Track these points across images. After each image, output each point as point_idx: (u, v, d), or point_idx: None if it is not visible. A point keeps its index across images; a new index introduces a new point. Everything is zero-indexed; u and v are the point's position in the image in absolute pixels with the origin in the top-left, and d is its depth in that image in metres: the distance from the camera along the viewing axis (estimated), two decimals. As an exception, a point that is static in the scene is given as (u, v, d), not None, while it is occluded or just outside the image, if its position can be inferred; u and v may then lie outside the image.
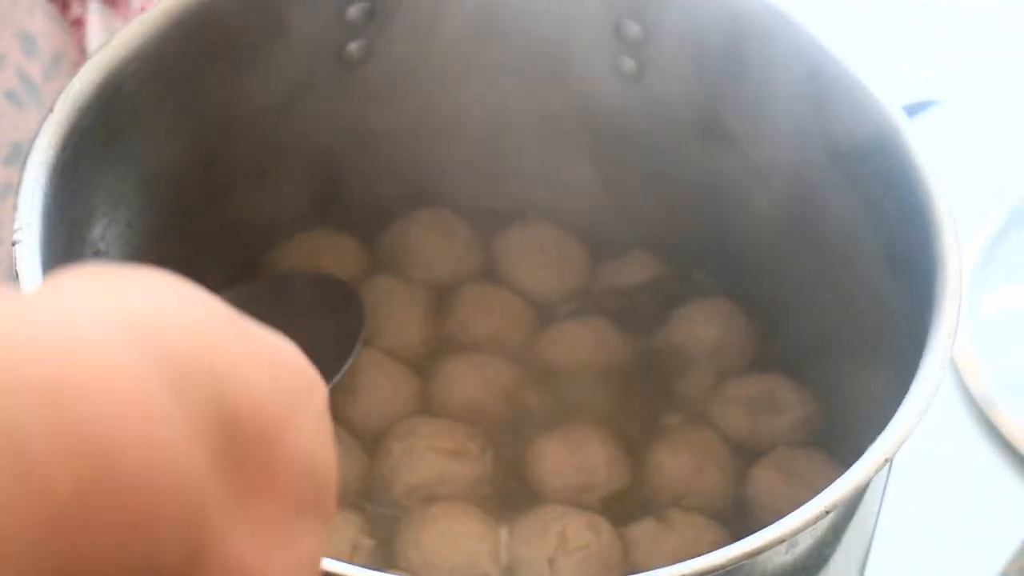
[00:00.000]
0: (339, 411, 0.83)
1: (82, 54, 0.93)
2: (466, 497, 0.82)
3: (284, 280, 0.87)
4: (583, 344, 0.87)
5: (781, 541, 0.64)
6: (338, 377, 0.82)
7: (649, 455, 0.84)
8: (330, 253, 0.89)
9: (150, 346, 0.46)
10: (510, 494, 0.83)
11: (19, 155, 0.90)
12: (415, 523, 0.79)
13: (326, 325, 0.85)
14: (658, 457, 0.83)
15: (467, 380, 0.85)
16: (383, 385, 0.85)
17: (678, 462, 0.83)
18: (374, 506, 0.82)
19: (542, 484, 0.82)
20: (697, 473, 0.82)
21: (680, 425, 0.85)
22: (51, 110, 0.74)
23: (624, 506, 0.82)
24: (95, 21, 0.96)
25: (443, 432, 0.83)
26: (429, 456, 0.82)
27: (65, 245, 0.74)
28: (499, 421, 0.85)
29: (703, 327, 0.88)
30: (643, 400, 0.86)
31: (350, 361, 0.83)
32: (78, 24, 0.92)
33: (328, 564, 0.61)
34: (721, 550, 0.64)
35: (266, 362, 0.50)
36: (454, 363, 0.85)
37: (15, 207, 0.78)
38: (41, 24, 0.91)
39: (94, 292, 0.48)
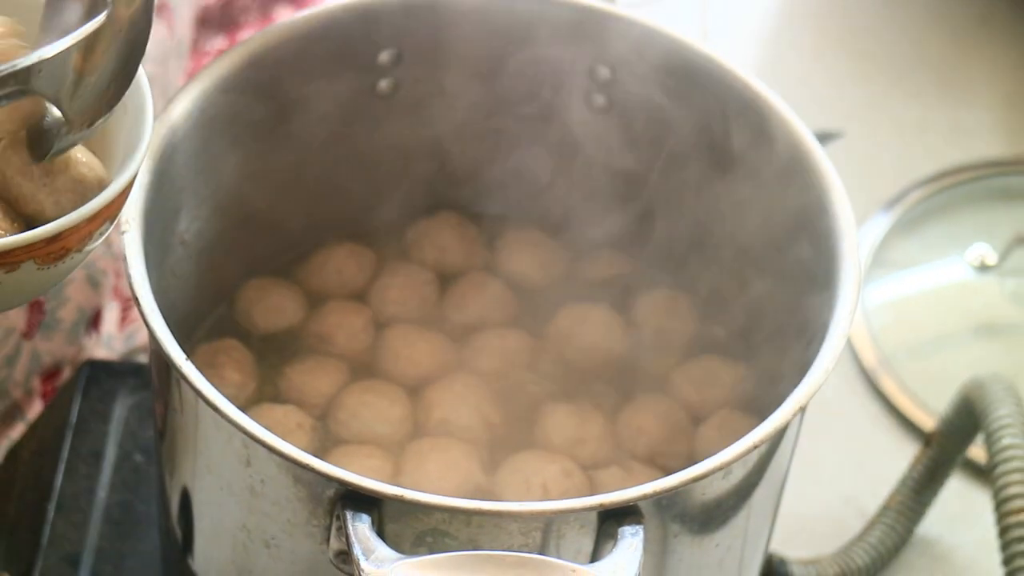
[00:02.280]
0: (384, 367, 0.87)
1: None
2: (477, 433, 0.84)
3: None
4: (582, 326, 0.89)
5: (720, 469, 0.69)
6: None
7: (630, 421, 0.86)
8: (353, 261, 0.91)
9: None
10: (510, 439, 0.85)
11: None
12: (418, 451, 0.82)
13: None
14: (638, 420, 0.85)
15: (494, 349, 0.88)
16: (422, 348, 0.87)
17: (655, 428, 0.85)
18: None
19: (547, 436, 0.84)
20: (668, 439, 0.85)
21: (654, 398, 0.87)
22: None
23: (604, 458, 0.84)
24: None
25: (477, 385, 0.86)
26: (467, 401, 0.84)
27: (160, 236, 0.78)
28: (515, 383, 0.88)
29: (659, 314, 0.90)
30: (618, 372, 0.89)
31: None
32: None
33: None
34: (673, 475, 0.68)
35: None
36: (483, 336, 0.89)
37: None
38: None
39: None
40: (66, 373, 0.99)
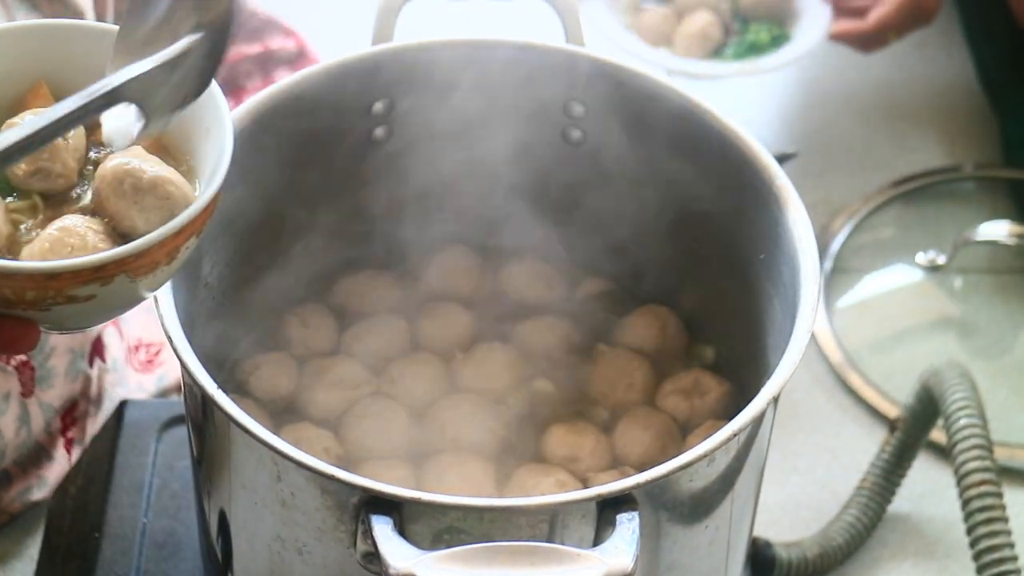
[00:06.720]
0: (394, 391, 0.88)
1: None
2: (489, 448, 0.85)
3: None
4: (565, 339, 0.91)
5: (704, 457, 0.71)
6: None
7: (626, 433, 0.87)
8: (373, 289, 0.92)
9: None
10: (516, 453, 0.86)
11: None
12: (438, 466, 0.83)
13: None
14: (631, 433, 0.87)
15: (494, 371, 0.89)
16: (429, 374, 0.88)
17: (648, 440, 0.87)
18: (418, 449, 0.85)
19: (547, 452, 0.86)
20: (660, 449, 0.86)
21: (646, 411, 0.88)
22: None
23: (600, 468, 0.86)
24: None
25: (482, 405, 0.86)
26: (473, 419, 0.85)
27: (186, 279, 0.79)
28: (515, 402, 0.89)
29: (646, 329, 0.91)
30: (611, 385, 0.89)
31: None
32: None
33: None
34: (664, 464, 0.70)
35: None
36: (483, 355, 0.89)
37: None
38: None
39: None
40: (82, 406, 0.99)
